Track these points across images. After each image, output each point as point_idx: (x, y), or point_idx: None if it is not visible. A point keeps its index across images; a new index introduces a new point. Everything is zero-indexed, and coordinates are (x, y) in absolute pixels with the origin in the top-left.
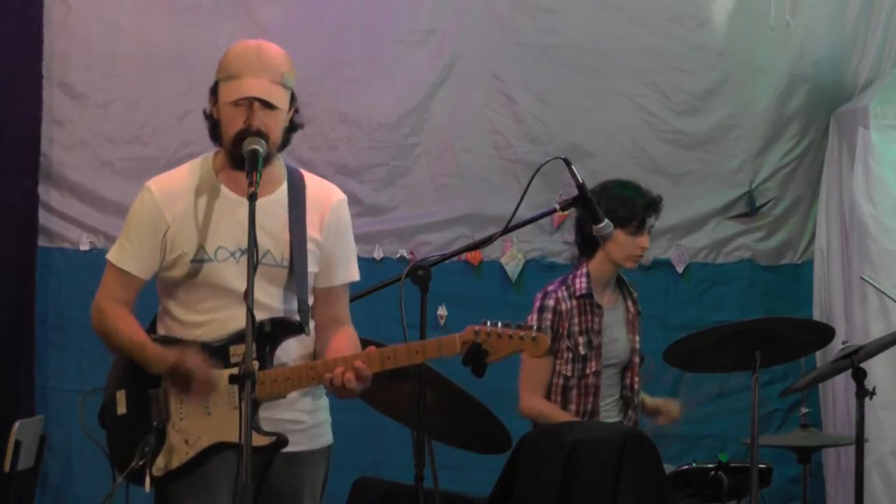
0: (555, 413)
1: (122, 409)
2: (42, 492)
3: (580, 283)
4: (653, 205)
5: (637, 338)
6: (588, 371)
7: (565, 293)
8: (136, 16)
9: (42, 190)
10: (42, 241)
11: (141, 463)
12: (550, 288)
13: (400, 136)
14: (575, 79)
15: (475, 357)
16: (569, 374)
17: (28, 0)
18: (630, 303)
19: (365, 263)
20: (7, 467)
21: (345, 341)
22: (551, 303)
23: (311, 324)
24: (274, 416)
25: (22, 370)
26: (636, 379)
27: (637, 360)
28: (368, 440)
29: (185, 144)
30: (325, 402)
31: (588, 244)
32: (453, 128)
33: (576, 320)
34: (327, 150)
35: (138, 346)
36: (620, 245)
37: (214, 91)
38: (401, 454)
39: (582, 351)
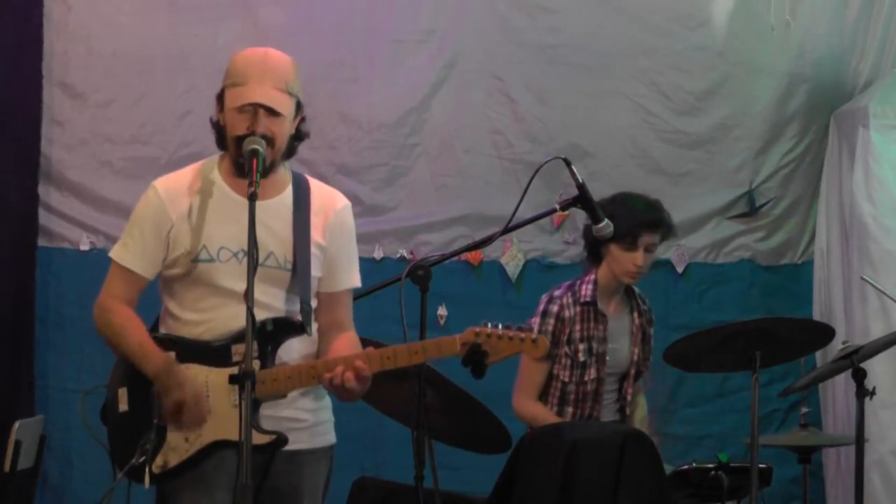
0: (547, 417)
1: (123, 407)
2: (42, 492)
3: (586, 290)
4: (649, 224)
5: (636, 349)
6: (587, 378)
7: (570, 299)
8: (135, 16)
9: (42, 190)
10: (42, 241)
11: (141, 460)
12: (557, 293)
13: (400, 136)
14: (575, 79)
15: (475, 358)
16: (566, 379)
17: (28, 0)
18: (636, 314)
19: (365, 263)
20: (7, 467)
21: (346, 345)
22: (555, 308)
23: (314, 326)
24: (275, 414)
25: (22, 370)
26: (629, 390)
27: (633, 371)
28: (368, 440)
29: (185, 144)
30: (327, 401)
31: (595, 252)
32: (453, 128)
33: (577, 327)
34: (327, 150)
35: (137, 359)
36: (616, 259)
37: (220, 98)
38: (401, 454)
39: (581, 358)
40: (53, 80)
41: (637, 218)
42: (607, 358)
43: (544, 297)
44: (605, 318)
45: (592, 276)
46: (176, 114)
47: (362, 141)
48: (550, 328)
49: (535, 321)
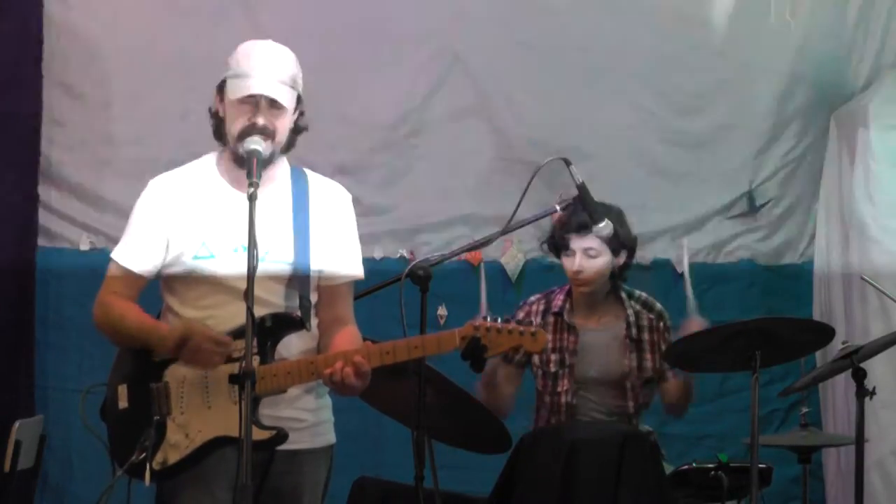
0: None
1: (123, 404)
2: (42, 492)
3: (557, 300)
4: (574, 227)
5: (626, 361)
6: (559, 389)
7: (542, 307)
8: (136, 16)
9: (42, 190)
10: (42, 241)
11: (141, 457)
12: (532, 298)
13: (400, 136)
14: (575, 79)
15: (474, 352)
16: (541, 388)
17: (28, 0)
18: (627, 324)
19: (365, 263)
20: (7, 467)
21: (346, 339)
22: (521, 314)
23: (314, 321)
24: (275, 413)
25: (22, 370)
26: (629, 403)
27: (630, 382)
28: (368, 440)
29: (185, 144)
30: (327, 401)
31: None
32: (453, 128)
33: (548, 337)
34: (327, 150)
35: (147, 329)
36: (565, 268)
37: (221, 89)
38: (401, 454)
39: (552, 368)
40: (53, 80)
41: (563, 222)
42: (585, 370)
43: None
44: (574, 330)
45: (567, 287)
46: (176, 114)
47: (362, 141)
48: None
49: None
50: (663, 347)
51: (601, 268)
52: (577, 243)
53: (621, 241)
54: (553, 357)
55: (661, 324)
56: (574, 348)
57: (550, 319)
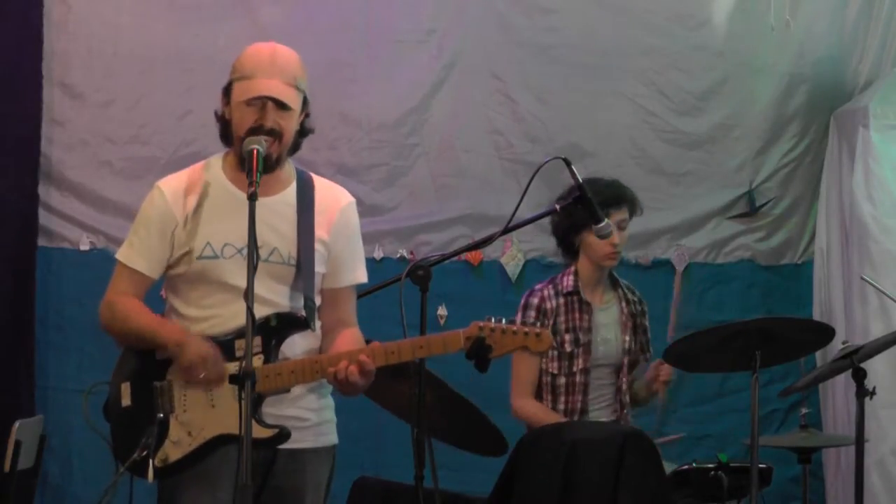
0: (545, 416)
1: (126, 402)
2: (42, 492)
3: (567, 281)
4: (613, 201)
5: (626, 338)
6: (575, 368)
7: (552, 291)
8: (135, 16)
9: (42, 190)
10: (42, 241)
11: (144, 454)
12: (538, 286)
13: (400, 136)
14: (575, 79)
15: (479, 352)
16: (555, 371)
17: (28, 0)
18: (624, 304)
19: (365, 263)
20: (7, 467)
21: (349, 341)
22: (535, 301)
23: (318, 323)
24: (278, 412)
25: (22, 370)
26: (624, 379)
27: (627, 360)
28: (368, 440)
29: (185, 144)
30: (330, 401)
31: (569, 248)
32: (453, 128)
33: (562, 318)
34: (327, 150)
35: (152, 330)
36: (591, 246)
37: (227, 92)
38: (401, 454)
39: (568, 348)
40: (53, 80)
41: (600, 199)
42: (597, 348)
43: (526, 293)
44: (589, 308)
45: (572, 269)
46: (176, 114)
47: (362, 141)
48: (532, 320)
49: (518, 316)
50: (639, 332)
51: (626, 238)
52: (615, 217)
53: (635, 203)
54: (567, 337)
55: (642, 308)
56: (588, 326)
57: (561, 301)
